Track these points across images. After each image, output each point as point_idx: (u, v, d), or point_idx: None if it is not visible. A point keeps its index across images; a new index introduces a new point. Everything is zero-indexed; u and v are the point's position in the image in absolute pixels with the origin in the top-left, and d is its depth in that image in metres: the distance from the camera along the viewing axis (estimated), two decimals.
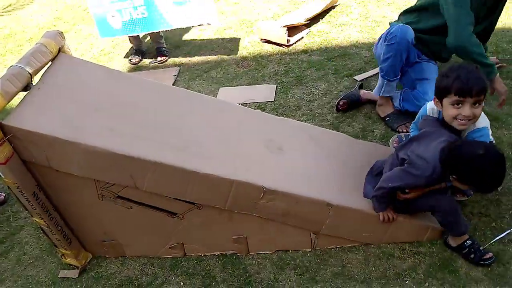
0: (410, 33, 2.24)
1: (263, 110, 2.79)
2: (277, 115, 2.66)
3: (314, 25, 3.72)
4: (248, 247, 1.93)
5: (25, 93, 1.67)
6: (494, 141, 1.84)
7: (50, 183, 1.73)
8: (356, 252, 1.87)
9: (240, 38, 3.79)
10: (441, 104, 1.67)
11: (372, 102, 2.66)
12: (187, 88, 3.15)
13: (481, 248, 1.72)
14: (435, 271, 1.73)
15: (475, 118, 1.62)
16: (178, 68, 3.52)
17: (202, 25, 3.41)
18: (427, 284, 1.70)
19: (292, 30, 3.56)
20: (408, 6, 2.51)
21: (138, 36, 3.74)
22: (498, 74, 2.24)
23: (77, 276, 1.97)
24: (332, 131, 2.32)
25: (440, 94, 1.65)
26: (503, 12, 2.42)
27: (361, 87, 2.77)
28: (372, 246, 1.87)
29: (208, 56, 3.62)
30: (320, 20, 3.79)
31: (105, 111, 1.77)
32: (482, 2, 2.19)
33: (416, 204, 1.76)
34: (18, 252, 2.16)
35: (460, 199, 1.95)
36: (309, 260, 1.87)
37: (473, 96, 1.56)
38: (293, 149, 1.97)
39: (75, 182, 1.70)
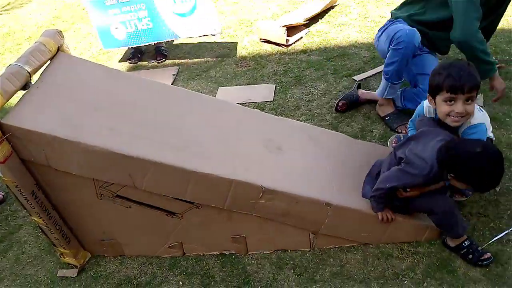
0: (417, 37, 2.20)
1: (262, 110, 2.79)
2: (276, 115, 2.66)
3: (313, 25, 3.72)
4: (247, 247, 1.93)
5: (24, 92, 1.67)
6: (494, 138, 1.85)
7: (49, 182, 1.73)
8: (355, 252, 1.87)
9: (239, 38, 3.79)
10: (435, 102, 1.68)
11: (371, 102, 2.66)
12: (186, 88, 3.15)
13: (479, 248, 1.73)
14: (433, 271, 1.73)
15: (468, 114, 1.63)
16: (177, 67, 3.52)
17: (206, 35, 3.43)
18: (425, 284, 1.70)
19: (291, 30, 3.56)
20: None
21: None
22: (497, 71, 2.25)
23: (75, 275, 1.97)
24: (331, 131, 2.32)
25: (433, 92, 1.67)
26: None
27: (359, 87, 2.78)
28: (371, 246, 1.88)
29: (207, 56, 3.62)
30: (319, 20, 3.79)
31: (104, 110, 1.77)
32: (482, 2, 2.19)
33: (414, 205, 1.76)
34: (16, 251, 2.15)
35: (458, 199, 1.95)
36: (308, 260, 1.87)
37: (465, 92, 1.57)
38: (292, 149, 1.97)
39: (74, 181, 1.70)
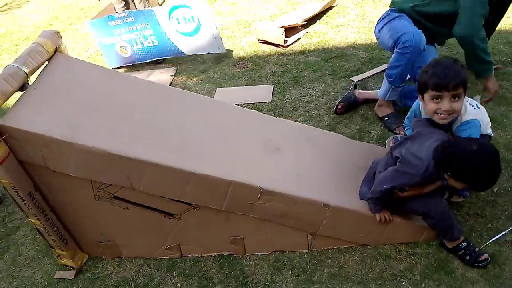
0: (423, 41, 2.19)
1: (260, 110, 2.79)
2: (274, 115, 2.67)
3: (311, 26, 3.73)
4: (245, 248, 1.93)
5: (21, 93, 1.67)
6: (492, 135, 1.84)
7: (46, 183, 1.72)
8: (353, 253, 1.87)
9: (237, 39, 3.79)
10: (423, 100, 1.69)
11: (369, 102, 2.66)
12: (184, 89, 3.15)
13: (476, 249, 1.73)
14: (431, 272, 1.74)
15: (455, 112, 1.63)
16: (175, 68, 3.51)
17: (210, 53, 3.44)
18: (423, 285, 1.70)
19: (290, 31, 3.57)
20: None
21: None
22: (493, 73, 2.25)
23: (73, 277, 1.96)
24: (329, 132, 2.32)
25: (421, 90, 1.68)
26: None
27: (355, 87, 2.78)
28: (369, 247, 1.88)
29: (205, 57, 3.62)
30: (317, 21, 3.79)
31: (102, 111, 1.76)
32: None
33: (409, 208, 1.76)
34: (13, 253, 2.15)
35: (456, 200, 1.96)
36: (305, 261, 1.87)
37: (450, 90, 1.58)
38: (290, 150, 1.97)
39: (72, 182, 1.69)
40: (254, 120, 2.10)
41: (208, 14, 3.20)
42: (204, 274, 1.89)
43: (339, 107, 2.62)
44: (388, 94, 2.43)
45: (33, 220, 1.76)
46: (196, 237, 1.90)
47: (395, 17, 2.32)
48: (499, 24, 2.53)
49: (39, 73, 1.78)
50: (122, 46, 3.48)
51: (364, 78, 2.93)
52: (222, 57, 3.55)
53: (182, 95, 2.12)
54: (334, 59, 3.21)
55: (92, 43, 4.17)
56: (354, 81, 2.90)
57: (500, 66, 2.74)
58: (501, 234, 1.81)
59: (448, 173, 1.54)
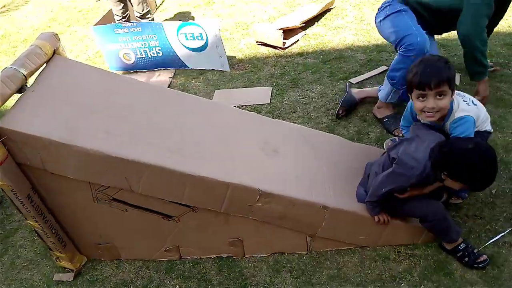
0: (428, 43, 2.18)
1: (259, 112, 2.79)
2: (272, 117, 2.67)
3: (310, 28, 3.73)
4: (244, 250, 1.92)
5: (19, 95, 1.66)
6: (491, 131, 1.83)
7: (44, 185, 1.72)
8: (352, 254, 1.87)
9: (236, 41, 3.79)
10: (412, 99, 1.71)
11: (368, 102, 2.66)
12: (182, 90, 3.15)
13: (475, 251, 1.73)
14: (430, 273, 1.74)
15: (441, 109, 1.64)
16: (174, 70, 3.51)
17: (215, 69, 3.46)
18: (422, 286, 1.70)
19: (288, 32, 3.57)
20: None
21: None
22: (487, 78, 2.26)
23: (72, 279, 1.96)
24: (328, 133, 2.33)
25: (408, 89, 1.70)
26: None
27: (350, 86, 2.77)
28: (368, 248, 1.88)
29: None
30: (316, 23, 3.80)
31: (100, 113, 1.76)
32: None
33: (406, 212, 1.76)
34: (12, 256, 2.14)
35: (455, 202, 1.96)
36: (305, 263, 1.87)
37: (433, 88, 1.59)
38: (288, 152, 1.97)
39: (70, 184, 1.69)
40: (253, 122, 2.10)
41: (217, 33, 3.20)
42: (203, 276, 1.89)
43: (340, 112, 2.62)
44: (390, 96, 2.42)
45: (31, 222, 1.75)
46: (195, 239, 1.89)
47: (398, 11, 2.28)
48: (497, 26, 2.54)
49: (37, 75, 1.78)
50: (125, 53, 3.49)
51: (362, 80, 2.93)
52: None
53: (181, 97, 2.12)
54: (332, 61, 3.22)
55: (90, 45, 4.17)
56: (353, 83, 2.90)
57: (498, 68, 2.75)
58: (500, 235, 1.81)
59: (445, 173, 1.54)
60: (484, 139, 1.82)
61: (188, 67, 3.49)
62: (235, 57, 3.53)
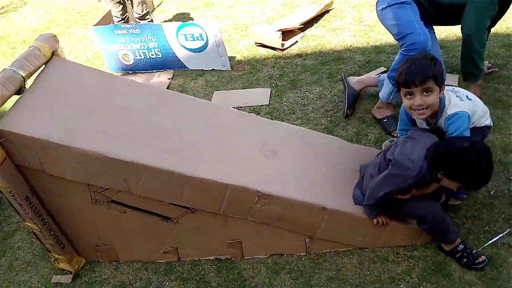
0: (430, 42, 2.18)
1: (258, 114, 2.79)
2: (271, 119, 2.67)
3: (309, 29, 3.74)
4: (243, 252, 1.92)
5: (18, 96, 1.66)
6: (491, 125, 1.82)
7: (43, 187, 1.72)
8: (351, 256, 1.87)
9: (234, 42, 3.79)
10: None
11: (368, 101, 2.67)
12: (181, 92, 3.14)
13: (474, 251, 1.73)
14: (429, 275, 1.74)
15: (429, 106, 1.63)
16: (173, 71, 3.51)
17: (215, 70, 3.45)
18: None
19: (287, 34, 3.57)
20: None
21: None
22: (479, 82, 2.27)
23: (70, 281, 1.95)
24: (327, 135, 2.33)
25: (397, 89, 1.72)
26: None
27: (344, 78, 2.77)
28: (367, 250, 1.88)
29: None
30: (314, 24, 3.80)
31: (99, 115, 1.76)
32: None
33: (405, 213, 1.76)
34: (10, 257, 2.13)
35: (453, 203, 1.96)
36: (303, 264, 1.87)
37: (419, 85, 1.60)
38: (287, 153, 1.97)
39: (69, 186, 1.68)
40: (252, 123, 2.10)
41: (217, 33, 3.20)
42: (202, 277, 1.89)
43: (349, 112, 2.63)
44: (392, 96, 2.42)
45: (30, 224, 1.75)
46: (194, 240, 1.89)
47: (402, 2, 2.24)
48: (496, 27, 2.55)
49: (36, 76, 1.77)
50: (124, 54, 3.49)
51: None
52: None
53: (180, 98, 2.12)
54: (331, 62, 3.22)
55: (89, 46, 4.17)
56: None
57: (496, 69, 2.75)
58: (498, 236, 1.82)
59: (442, 172, 1.54)
60: (484, 134, 1.81)
61: (188, 68, 3.49)
62: (234, 58, 3.53)
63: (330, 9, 3.98)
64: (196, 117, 1.98)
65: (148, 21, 3.82)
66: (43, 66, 1.80)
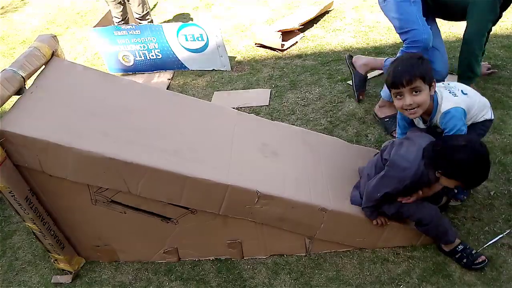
0: (432, 39, 2.17)
1: (258, 114, 2.79)
2: (271, 119, 2.67)
3: (308, 30, 3.74)
4: (243, 252, 1.92)
5: (18, 97, 1.66)
6: (493, 118, 1.80)
7: (43, 187, 1.71)
8: (351, 256, 1.87)
9: (234, 43, 3.79)
10: None
11: (368, 101, 2.68)
12: (181, 92, 3.15)
13: (473, 252, 1.73)
14: (429, 275, 1.74)
15: (420, 105, 1.63)
16: (173, 72, 3.51)
17: (215, 70, 3.45)
18: None
19: (286, 34, 3.57)
20: None
21: None
22: (472, 84, 2.28)
23: (70, 281, 1.95)
24: (326, 135, 2.33)
25: (388, 89, 1.72)
26: None
27: (350, 57, 2.77)
28: (367, 250, 1.88)
29: None
30: (314, 25, 3.81)
31: (99, 116, 1.76)
32: None
33: (405, 213, 1.76)
34: (10, 257, 2.13)
35: (453, 204, 1.96)
36: (303, 264, 1.87)
37: (406, 85, 1.60)
38: (287, 154, 1.97)
39: (68, 186, 1.68)
40: (251, 124, 2.10)
41: (218, 34, 3.21)
42: (202, 278, 1.89)
43: (360, 97, 2.66)
44: None
45: (29, 224, 1.75)
46: (194, 241, 1.89)
47: None
48: (495, 28, 2.55)
49: (35, 77, 1.77)
50: (124, 55, 3.50)
51: None
52: None
53: (179, 98, 2.12)
54: (331, 63, 3.22)
55: (89, 47, 4.17)
56: (351, 85, 2.90)
57: (495, 70, 2.76)
58: (498, 237, 1.82)
59: (439, 171, 1.54)
60: (485, 128, 1.80)
61: (188, 69, 3.49)
62: (234, 59, 3.53)
63: (330, 10, 3.99)
64: (196, 118, 1.98)
65: (148, 22, 3.82)
66: (43, 66, 1.80)
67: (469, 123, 1.73)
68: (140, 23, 3.76)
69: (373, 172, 1.79)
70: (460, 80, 2.36)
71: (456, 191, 1.95)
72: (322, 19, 3.87)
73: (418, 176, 1.59)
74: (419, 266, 1.78)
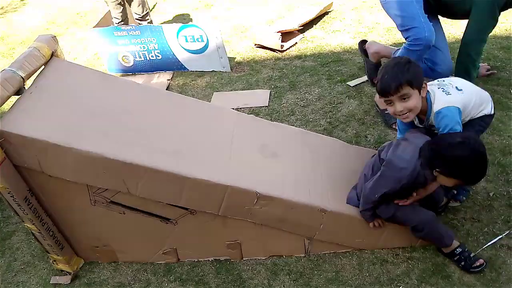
0: (434, 37, 2.16)
1: (257, 115, 2.79)
2: (271, 120, 2.67)
3: (308, 30, 3.74)
4: (242, 253, 1.92)
5: (17, 97, 1.66)
6: (493, 113, 1.78)
7: (42, 188, 1.71)
8: (350, 257, 1.87)
9: (234, 44, 3.79)
10: None
11: (368, 101, 2.68)
12: (181, 93, 3.14)
13: (472, 255, 1.73)
14: (428, 276, 1.74)
15: (411, 110, 1.64)
16: (172, 72, 3.51)
17: (215, 71, 3.46)
18: None
19: (286, 35, 3.58)
20: None
21: None
22: None
23: (69, 282, 1.95)
24: (326, 136, 2.33)
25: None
26: None
27: (363, 42, 2.75)
28: (366, 251, 1.88)
29: None
30: (314, 26, 3.81)
31: (98, 116, 1.76)
32: None
33: (400, 218, 1.76)
34: (8, 258, 2.13)
35: (453, 205, 1.96)
36: (303, 265, 1.87)
37: (393, 94, 1.60)
38: (286, 155, 1.97)
39: (68, 187, 1.68)
40: (251, 125, 2.10)
41: (218, 35, 3.21)
42: (201, 279, 1.89)
43: (375, 81, 2.65)
44: None
45: (28, 225, 1.75)
46: (193, 241, 1.89)
47: None
48: (495, 30, 2.55)
49: (35, 77, 1.77)
50: (124, 56, 3.50)
51: (361, 83, 2.94)
52: None
53: (179, 99, 2.12)
54: (330, 63, 3.23)
55: (88, 47, 4.16)
56: (351, 86, 2.90)
57: (495, 71, 2.76)
58: (498, 238, 1.82)
59: (437, 170, 1.54)
60: (484, 124, 1.78)
61: (188, 69, 3.49)
62: (233, 59, 3.54)
63: (330, 11, 3.99)
64: (196, 118, 1.98)
65: (148, 22, 3.82)
66: (43, 67, 1.80)
67: (467, 119, 1.72)
68: (139, 24, 3.76)
69: (370, 172, 1.78)
70: None
71: (455, 192, 1.96)
72: (321, 20, 3.88)
73: (414, 176, 1.59)
74: (418, 267, 1.78)
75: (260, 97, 3.00)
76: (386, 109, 2.45)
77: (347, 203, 1.82)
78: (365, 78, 2.97)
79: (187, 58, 3.42)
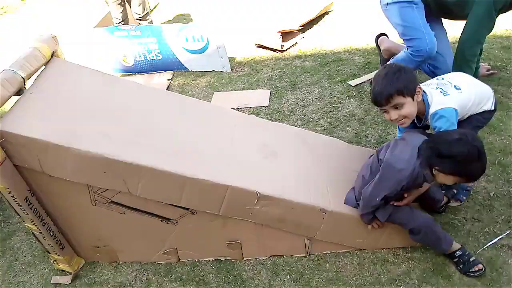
0: (436, 47, 2.18)
1: (257, 115, 2.79)
2: (271, 120, 2.67)
3: (308, 30, 3.75)
4: (242, 253, 1.92)
5: (17, 97, 1.66)
6: (493, 109, 1.78)
7: (42, 188, 1.71)
8: (351, 257, 1.87)
9: (234, 44, 3.79)
10: None
11: (368, 101, 2.67)
12: (181, 93, 3.14)
13: (472, 258, 1.72)
14: (429, 276, 1.74)
15: (406, 117, 1.64)
16: (172, 72, 3.51)
17: (215, 71, 3.46)
18: None
19: (286, 35, 3.58)
20: None
21: None
22: None
23: (69, 282, 1.95)
24: (326, 136, 2.33)
25: None
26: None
27: (381, 35, 2.76)
28: (367, 251, 1.88)
29: None
30: (314, 25, 3.81)
31: (99, 116, 1.76)
32: None
33: (398, 221, 1.75)
34: (9, 258, 2.13)
35: (453, 204, 1.96)
36: (303, 265, 1.87)
37: (385, 104, 1.62)
38: (287, 155, 1.97)
39: (68, 187, 1.68)
40: (251, 125, 2.10)
41: (218, 35, 3.21)
42: (202, 279, 1.89)
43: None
44: None
45: (29, 225, 1.75)
46: (194, 241, 1.89)
47: (409, 1, 2.23)
48: (494, 30, 2.55)
49: (35, 77, 1.77)
50: (124, 55, 3.50)
51: (361, 83, 2.94)
52: None
53: (179, 99, 2.12)
54: (330, 63, 3.23)
55: (88, 47, 4.16)
56: (352, 85, 2.90)
57: (495, 71, 2.76)
58: (498, 238, 1.82)
59: (436, 168, 1.53)
60: (483, 120, 1.78)
61: (188, 69, 3.49)
62: (233, 59, 3.54)
63: (330, 11, 3.99)
64: (196, 118, 1.98)
65: (148, 22, 3.82)
66: (43, 67, 1.80)
67: (466, 116, 1.73)
68: (140, 24, 3.76)
69: (368, 173, 1.77)
70: None
71: (455, 191, 1.96)
72: (321, 20, 3.88)
73: (414, 176, 1.59)
74: (419, 267, 1.78)
75: (260, 97, 3.00)
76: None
77: (344, 203, 1.82)
78: (365, 78, 2.97)
79: (187, 58, 3.43)
